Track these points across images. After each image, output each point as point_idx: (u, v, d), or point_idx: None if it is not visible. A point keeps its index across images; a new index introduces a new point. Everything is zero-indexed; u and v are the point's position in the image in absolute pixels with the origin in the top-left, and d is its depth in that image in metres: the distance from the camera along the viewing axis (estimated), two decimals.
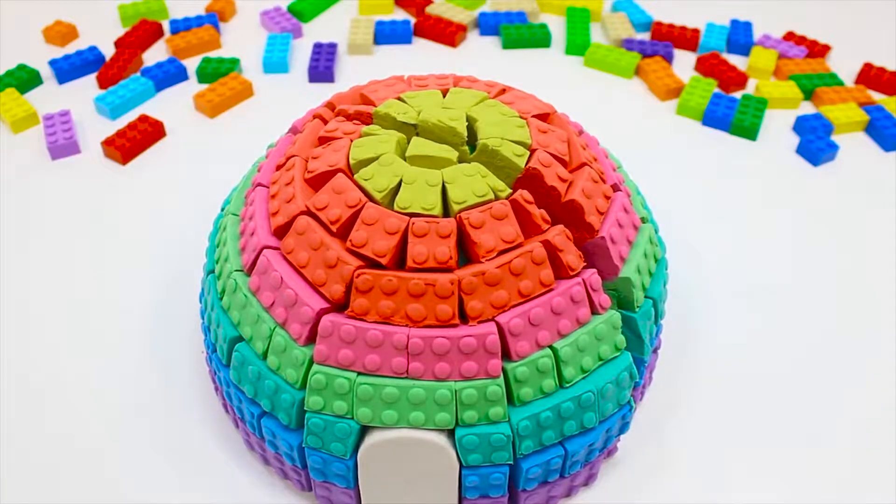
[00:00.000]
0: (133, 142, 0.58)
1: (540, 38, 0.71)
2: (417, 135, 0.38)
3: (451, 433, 0.34)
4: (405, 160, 0.36)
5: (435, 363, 0.33)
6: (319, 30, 0.73)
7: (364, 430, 0.34)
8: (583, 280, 0.35)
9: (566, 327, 0.35)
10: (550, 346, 0.34)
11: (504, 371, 0.34)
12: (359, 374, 0.33)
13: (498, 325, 0.33)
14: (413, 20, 0.74)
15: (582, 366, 0.35)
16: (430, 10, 0.75)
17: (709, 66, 0.68)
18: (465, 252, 0.34)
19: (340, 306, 0.34)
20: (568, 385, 0.34)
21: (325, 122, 0.41)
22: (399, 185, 0.35)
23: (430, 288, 0.33)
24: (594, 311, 0.36)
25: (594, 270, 0.36)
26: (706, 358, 0.46)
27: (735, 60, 0.70)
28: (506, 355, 0.34)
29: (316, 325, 0.34)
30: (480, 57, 0.71)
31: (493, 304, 0.33)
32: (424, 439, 0.33)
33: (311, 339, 0.34)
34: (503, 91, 0.42)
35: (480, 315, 0.33)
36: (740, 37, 0.71)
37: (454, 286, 0.33)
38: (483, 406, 0.33)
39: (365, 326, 0.33)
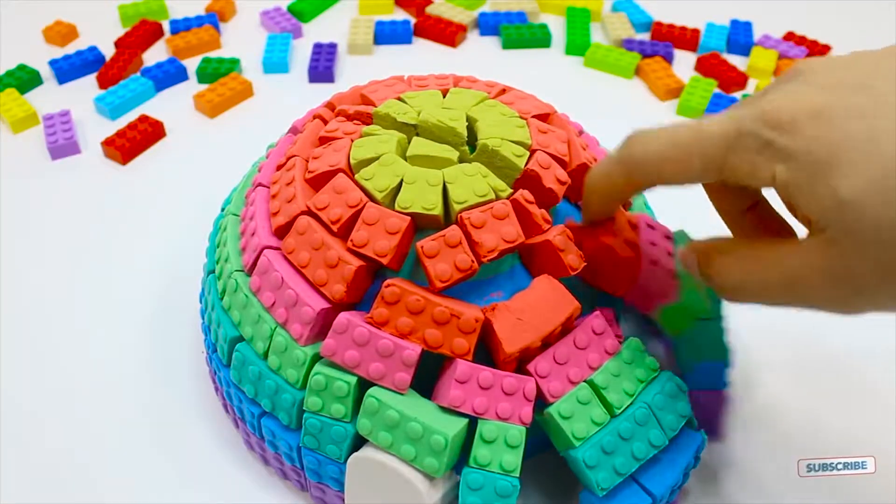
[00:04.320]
0: (133, 142, 0.58)
1: (540, 38, 0.71)
2: (417, 135, 0.38)
3: (447, 478, 0.33)
4: (406, 160, 0.36)
5: (476, 396, 0.32)
6: (319, 30, 0.73)
7: (361, 438, 0.34)
8: (601, 312, 0.35)
9: (595, 360, 0.34)
10: (585, 381, 0.34)
11: (549, 416, 0.33)
12: (361, 378, 0.33)
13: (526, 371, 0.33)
14: (413, 20, 0.74)
15: (625, 390, 0.34)
16: (430, 10, 0.75)
17: (709, 66, 0.68)
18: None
19: (341, 306, 0.34)
20: (618, 412, 0.34)
21: (326, 122, 0.41)
22: (400, 184, 0.35)
23: (454, 319, 0.33)
24: None
25: (610, 309, 0.36)
26: None
27: (735, 60, 0.70)
28: (541, 399, 0.34)
29: (317, 325, 0.34)
30: (480, 57, 0.71)
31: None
32: (405, 475, 0.32)
33: (311, 339, 0.34)
34: (503, 91, 0.42)
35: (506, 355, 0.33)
36: (740, 37, 0.71)
37: (478, 324, 0.33)
38: (499, 449, 0.32)
39: (379, 334, 0.33)
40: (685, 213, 0.53)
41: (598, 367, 0.34)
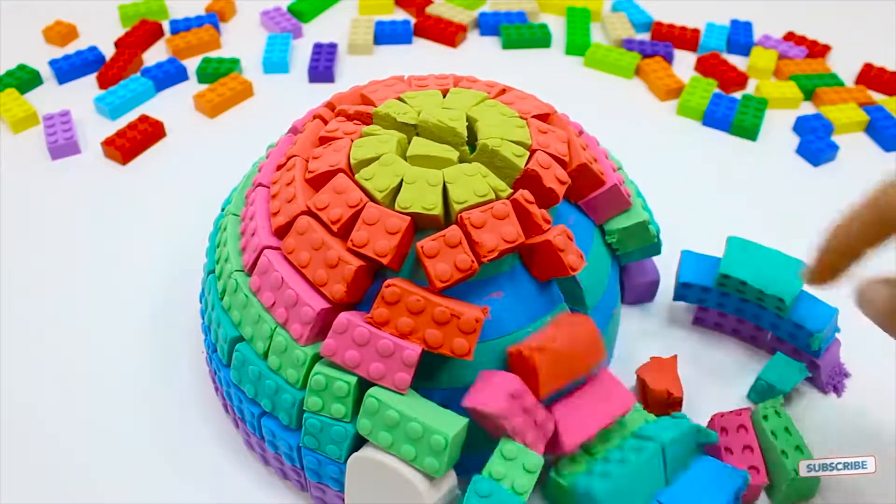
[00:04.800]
0: (133, 142, 0.58)
1: (540, 38, 0.71)
2: (418, 135, 0.38)
3: (447, 478, 0.33)
4: (406, 160, 0.36)
5: (518, 415, 0.33)
6: (319, 30, 0.73)
7: (361, 438, 0.34)
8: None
9: (606, 418, 0.35)
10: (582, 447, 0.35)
11: (551, 480, 0.34)
12: (361, 378, 0.33)
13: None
14: (413, 20, 0.74)
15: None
16: (430, 10, 0.75)
17: (709, 66, 0.68)
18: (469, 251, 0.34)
19: (341, 306, 0.34)
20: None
21: (326, 122, 0.41)
22: (400, 184, 0.35)
23: (454, 319, 0.33)
24: None
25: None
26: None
27: (735, 60, 0.70)
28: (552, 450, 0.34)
29: (317, 325, 0.34)
30: (480, 57, 0.71)
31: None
32: (405, 475, 0.32)
33: (311, 339, 0.34)
34: (503, 91, 0.42)
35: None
36: (740, 37, 0.71)
37: (478, 324, 0.33)
38: (516, 469, 0.32)
39: (379, 334, 0.33)
40: (685, 214, 0.54)
41: (607, 424, 0.35)
